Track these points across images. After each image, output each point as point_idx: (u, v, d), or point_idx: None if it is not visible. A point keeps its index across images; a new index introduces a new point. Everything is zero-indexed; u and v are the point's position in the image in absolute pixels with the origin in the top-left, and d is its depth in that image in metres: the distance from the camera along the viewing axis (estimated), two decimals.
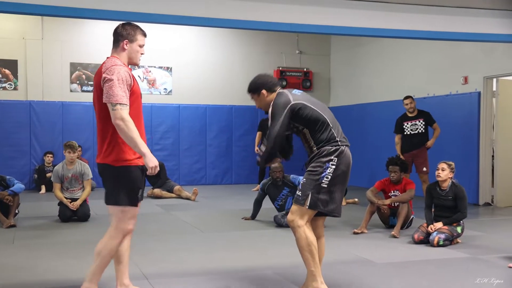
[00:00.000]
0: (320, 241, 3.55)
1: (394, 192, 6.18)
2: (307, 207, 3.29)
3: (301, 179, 3.37)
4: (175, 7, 5.61)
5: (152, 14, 5.66)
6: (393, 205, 6.13)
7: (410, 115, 7.80)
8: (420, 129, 7.73)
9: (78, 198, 6.70)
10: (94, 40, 10.99)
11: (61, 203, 6.68)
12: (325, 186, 3.28)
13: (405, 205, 5.93)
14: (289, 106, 3.30)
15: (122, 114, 2.97)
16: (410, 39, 7.80)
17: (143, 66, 11.29)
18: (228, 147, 11.67)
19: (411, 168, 7.73)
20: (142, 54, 3.26)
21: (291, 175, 6.47)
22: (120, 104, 2.98)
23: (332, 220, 6.76)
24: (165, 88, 11.52)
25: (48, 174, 9.71)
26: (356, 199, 8.54)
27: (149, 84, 11.39)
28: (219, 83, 11.82)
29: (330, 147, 3.31)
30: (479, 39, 6.67)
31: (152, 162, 3.00)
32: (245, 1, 5.77)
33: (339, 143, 3.33)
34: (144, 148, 3.02)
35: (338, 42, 12.36)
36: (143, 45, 3.25)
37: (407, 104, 7.79)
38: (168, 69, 11.52)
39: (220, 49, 11.87)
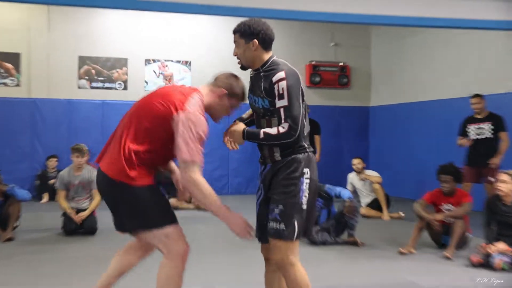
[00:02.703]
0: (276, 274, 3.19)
1: (446, 205, 6.02)
2: (293, 239, 2.95)
3: (274, 206, 2.97)
4: None
5: (169, 3, 5.61)
6: (445, 221, 5.96)
7: (477, 116, 7.55)
8: (487, 133, 7.44)
9: (84, 209, 6.70)
10: (105, 32, 11.07)
11: (65, 214, 6.68)
12: (305, 207, 3.00)
13: (460, 221, 5.77)
14: (300, 83, 3.00)
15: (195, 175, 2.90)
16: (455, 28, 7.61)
17: (158, 60, 11.31)
18: (254, 152, 11.58)
19: (478, 179, 7.44)
20: (225, 115, 3.21)
21: (326, 185, 6.36)
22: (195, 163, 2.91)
23: (373, 238, 6.60)
24: (183, 85, 11.51)
25: (51, 181, 9.75)
26: (401, 213, 8.36)
27: (166, 80, 11.41)
28: (244, 78, 11.76)
29: (299, 156, 3.01)
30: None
31: (238, 227, 2.94)
32: None
33: (306, 149, 3.05)
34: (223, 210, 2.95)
35: (380, 32, 12.21)
36: (235, 108, 3.21)
37: (473, 104, 7.55)
38: (187, 63, 11.53)
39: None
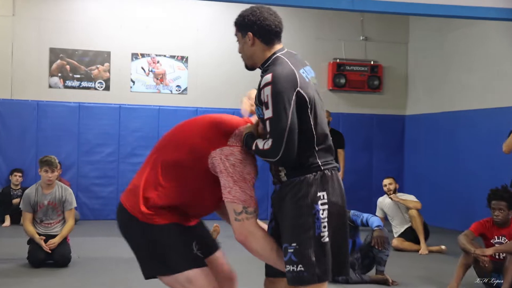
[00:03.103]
0: None
1: (499, 238, 6.04)
2: (317, 281, 2.96)
3: (287, 245, 2.98)
4: None
5: None
6: (497, 256, 5.97)
7: None
8: None
9: (55, 235, 6.74)
10: (84, 19, 11.18)
11: (32, 241, 6.73)
12: (327, 239, 2.98)
13: None
14: (295, 91, 2.93)
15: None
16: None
17: (148, 55, 11.43)
18: (264, 168, 11.64)
19: None
20: None
21: (351, 211, 6.40)
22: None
23: (408, 275, 6.64)
24: (178, 86, 11.62)
25: (15, 200, 9.86)
26: (443, 247, 8.39)
27: (157, 79, 11.51)
28: (252, 80, 11.82)
29: (309, 176, 2.99)
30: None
31: None
32: None
33: (320, 166, 3.02)
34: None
35: (419, 25, 12.28)
36: None
37: None
38: (183, 59, 11.63)
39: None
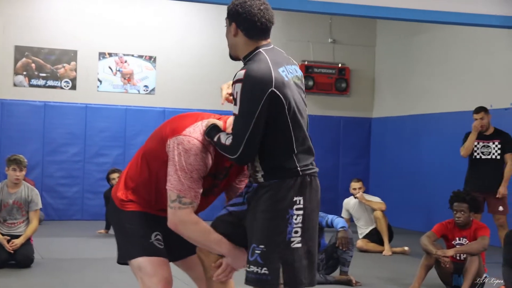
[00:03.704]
0: None
1: (460, 239, 6.12)
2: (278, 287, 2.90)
3: (255, 245, 2.92)
4: None
5: None
6: (458, 257, 6.06)
7: (484, 133, 7.76)
8: (493, 154, 7.68)
9: (19, 235, 6.68)
10: (50, 17, 11.08)
11: None
12: (300, 245, 2.93)
13: (475, 259, 5.85)
14: (268, 92, 2.86)
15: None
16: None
17: (116, 54, 11.38)
18: None
19: (483, 207, 7.68)
20: None
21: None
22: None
23: (371, 276, 6.71)
24: (146, 86, 11.58)
25: None
26: (406, 248, 8.49)
27: (124, 78, 11.46)
28: (221, 80, 11.82)
29: (288, 180, 2.92)
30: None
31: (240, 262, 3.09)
32: None
33: (299, 171, 2.95)
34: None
35: (387, 29, 12.39)
36: None
37: (477, 120, 7.76)
38: (151, 59, 11.60)
39: (224, 35, 11.92)
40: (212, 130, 3.01)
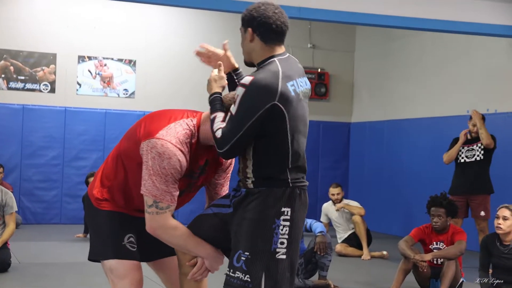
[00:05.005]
0: None
1: (437, 244, 6.17)
2: None
3: (240, 252, 2.93)
4: None
5: None
6: (435, 262, 6.11)
7: (470, 137, 7.82)
8: (477, 156, 7.75)
9: None
10: (29, 19, 11.00)
11: None
12: (285, 257, 2.93)
13: (452, 263, 5.91)
14: (270, 104, 2.86)
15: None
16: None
17: (95, 58, 11.33)
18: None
19: (467, 212, 7.73)
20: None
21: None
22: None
23: (350, 280, 6.74)
24: (125, 89, 11.55)
25: None
26: (384, 252, 8.53)
27: (104, 82, 11.42)
28: (202, 84, 11.79)
29: (277, 190, 2.92)
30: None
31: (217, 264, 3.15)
32: None
33: (289, 182, 2.94)
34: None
35: (365, 34, 12.46)
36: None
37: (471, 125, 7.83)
38: (131, 62, 11.57)
39: (205, 39, 11.88)
40: (216, 102, 3.04)
